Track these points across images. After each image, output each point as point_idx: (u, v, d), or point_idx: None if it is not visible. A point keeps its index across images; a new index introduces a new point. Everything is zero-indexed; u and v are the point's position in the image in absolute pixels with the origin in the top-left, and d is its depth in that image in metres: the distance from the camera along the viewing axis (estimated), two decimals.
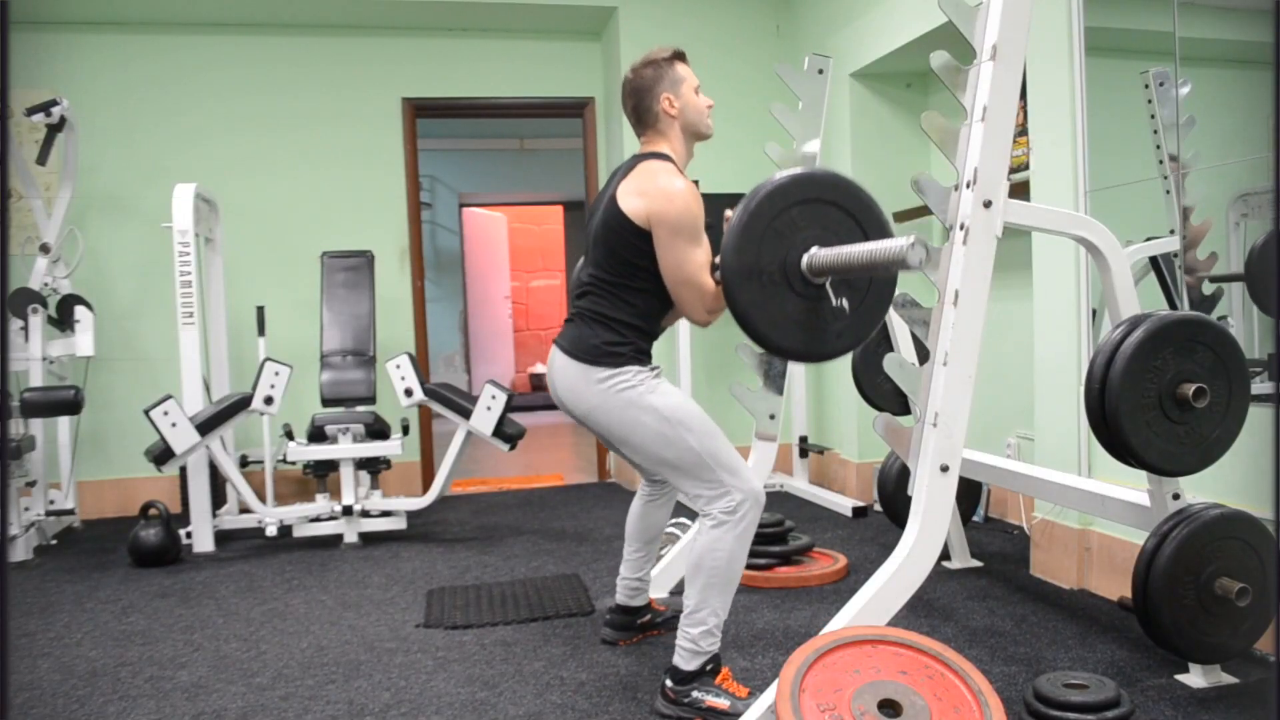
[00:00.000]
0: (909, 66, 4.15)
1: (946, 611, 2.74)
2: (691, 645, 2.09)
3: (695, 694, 2.07)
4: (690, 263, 2.10)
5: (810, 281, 1.85)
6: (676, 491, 2.44)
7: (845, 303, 1.85)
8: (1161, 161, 2.71)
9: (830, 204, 1.86)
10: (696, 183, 4.15)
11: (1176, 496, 2.15)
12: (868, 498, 4.23)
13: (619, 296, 2.18)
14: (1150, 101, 2.72)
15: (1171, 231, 2.68)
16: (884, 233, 1.90)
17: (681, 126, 2.26)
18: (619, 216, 2.13)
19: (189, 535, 3.76)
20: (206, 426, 3.60)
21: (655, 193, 2.10)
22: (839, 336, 1.89)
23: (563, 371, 2.22)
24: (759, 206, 1.84)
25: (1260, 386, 2.42)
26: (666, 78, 2.24)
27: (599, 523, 4.10)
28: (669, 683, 2.10)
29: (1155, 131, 2.72)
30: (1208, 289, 2.65)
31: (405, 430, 4.08)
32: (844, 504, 4.13)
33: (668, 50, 2.27)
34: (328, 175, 4.82)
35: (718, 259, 2.23)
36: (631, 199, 2.13)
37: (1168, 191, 2.70)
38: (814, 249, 1.84)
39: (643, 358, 2.19)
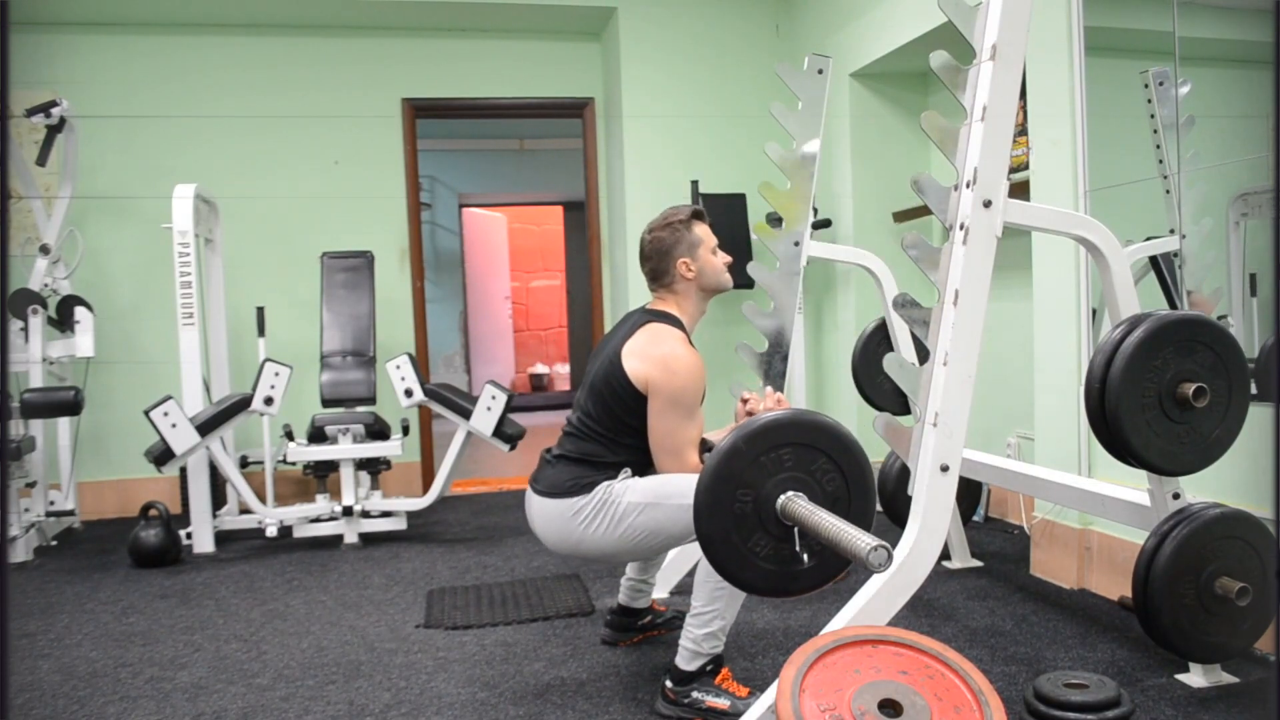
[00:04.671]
0: (909, 66, 4.15)
1: (947, 611, 2.74)
2: (694, 646, 2.09)
3: (695, 694, 2.08)
4: (679, 435, 2.12)
5: (780, 522, 1.79)
6: None
7: (806, 556, 1.79)
8: (1161, 161, 2.71)
9: (822, 453, 1.80)
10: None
11: (1176, 496, 2.15)
12: None
13: (605, 447, 2.21)
14: (1150, 101, 2.72)
15: (1171, 231, 2.68)
16: (866, 502, 1.83)
17: (699, 287, 2.30)
18: (619, 374, 2.16)
19: (189, 536, 3.76)
20: (206, 427, 3.60)
21: (658, 361, 2.13)
22: (796, 579, 1.83)
23: (541, 513, 2.23)
24: (751, 437, 1.77)
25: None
26: (684, 241, 2.26)
27: None
28: (669, 683, 2.11)
29: (1155, 131, 2.72)
30: (1209, 287, 2.65)
31: (405, 431, 4.08)
32: None
33: (685, 211, 2.30)
34: (328, 175, 4.82)
35: (706, 438, 2.22)
36: (634, 361, 2.15)
37: (1168, 191, 2.70)
38: (790, 493, 1.78)
39: (612, 477, 2.20)
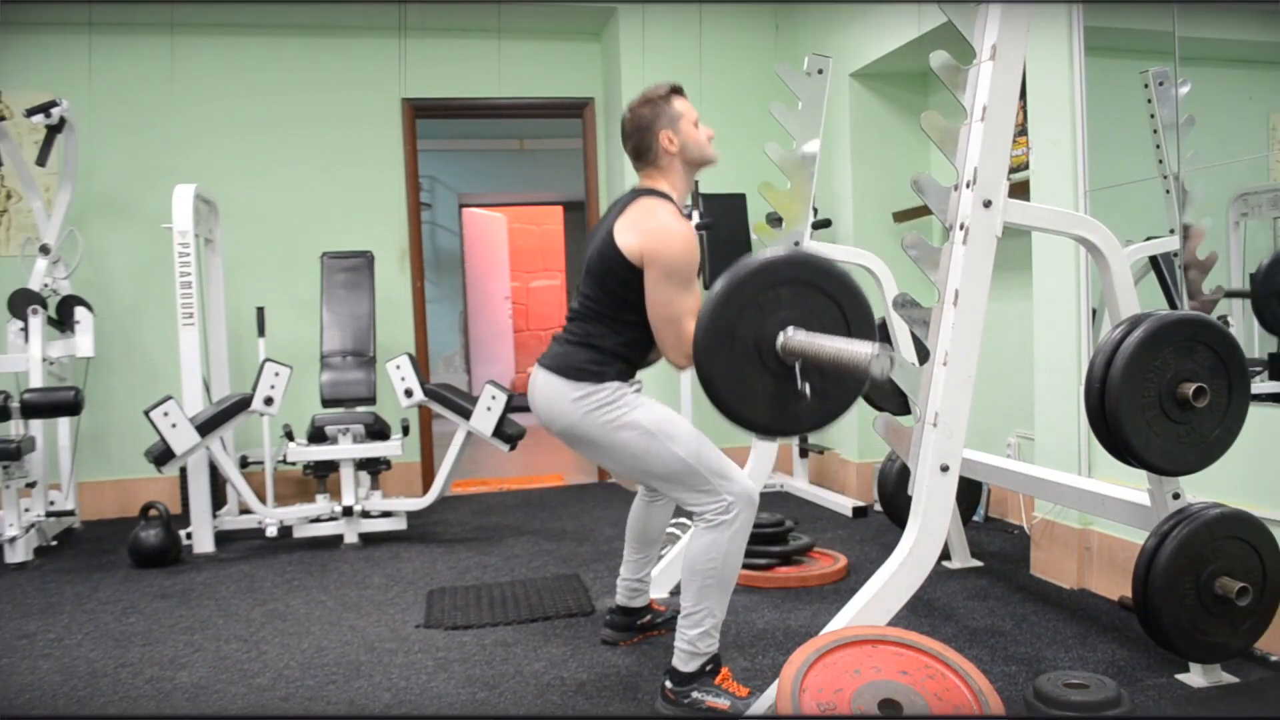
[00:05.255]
0: (909, 66, 4.15)
1: (947, 611, 2.74)
2: (689, 647, 2.09)
3: (695, 694, 2.07)
4: (676, 305, 2.10)
5: (781, 360, 1.81)
6: None
7: (808, 389, 1.80)
8: (1161, 161, 2.71)
9: (820, 291, 1.81)
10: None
11: (1176, 496, 2.15)
12: (868, 498, 4.23)
13: (607, 326, 2.20)
14: (1150, 101, 2.73)
15: (1171, 231, 2.68)
16: (867, 333, 1.85)
17: (683, 161, 2.27)
18: (614, 252, 2.14)
19: (189, 536, 3.76)
20: (206, 427, 3.60)
21: (652, 232, 2.11)
22: (798, 418, 1.85)
23: (544, 388, 2.23)
24: (747, 277, 1.79)
25: (1260, 386, 2.43)
26: (665, 115, 2.24)
27: (599, 523, 4.10)
28: (669, 683, 2.10)
29: (1155, 131, 2.72)
30: (1208, 286, 2.65)
31: (405, 431, 4.08)
32: (844, 504, 4.13)
33: (664, 87, 2.28)
34: (328, 175, 4.82)
35: None
36: (627, 235, 2.13)
37: (1168, 191, 2.70)
38: (790, 330, 1.79)
39: (624, 375, 2.20)
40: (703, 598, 2.07)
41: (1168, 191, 2.70)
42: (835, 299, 1.81)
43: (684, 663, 2.09)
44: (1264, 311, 2.51)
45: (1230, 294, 2.62)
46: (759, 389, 1.79)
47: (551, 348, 2.28)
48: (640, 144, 2.26)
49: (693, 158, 2.27)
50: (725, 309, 1.76)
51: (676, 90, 2.28)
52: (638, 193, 2.25)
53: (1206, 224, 2.63)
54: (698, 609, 2.08)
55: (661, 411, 2.16)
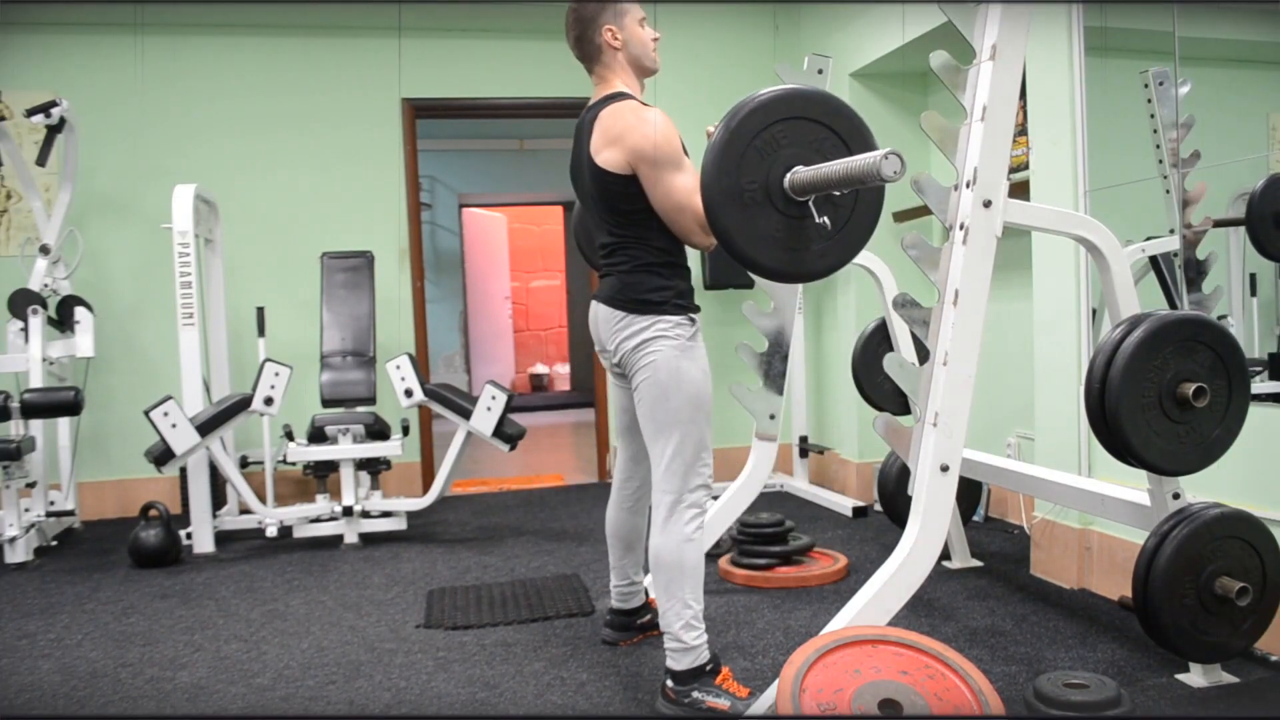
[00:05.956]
0: (909, 66, 4.15)
1: (947, 611, 2.74)
2: (676, 642, 2.09)
3: (695, 694, 2.07)
4: (678, 190, 2.07)
5: (793, 200, 1.80)
6: (648, 498, 2.39)
7: (827, 220, 1.80)
8: (1161, 161, 2.72)
9: (816, 122, 1.80)
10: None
11: (1176, 496, 2.15)
12: (868, 498, 4.23)
13: (643, 243, 2.16)
14: (1150, 101, 2.73)
15: (1171, 231, 2.68)
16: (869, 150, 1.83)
17: (625, 59, 2.22)
18: (603, 175, 2.12)
19: (189, 536, 3.76)
20: (206, 427, 3.60)
21: (622, 135, 2.08)
22: (822, 256, 1.85)
23: (606, 321, 2.21)
24: (741, 123, 1.79)
25: (1260, 386, 2.43)
26: (610, 8, 2.19)
27: (599, 523, 4.08)
28: (669, 683, 2.10)
29: (1155, 131, 2.72)
30: (1208, 286, 2.65)
31: (405, 431, 4.08)
32: (844, 504, 4.13)
33: None
34: (328, 175, 4.82)
35: None
36: (605, 154, 2.11)
37: (1168, 191, 2.70)
38: (797, 168, 1.78)
39: (683, 302, 2.17)
40: (672, 592, 2.09)
41: (1168, 191, 2.70)
42: (835, 130, 1.81)
43: (677, 659, 2.09)
44: (1259, 236, 2.49)
45: (1222, 222, 2.61)
46: (774, 233, 1.79)
47: (604, 284, 2.25)
48: (582, 36, 2.22)
49: (634, 56, 2.22)
50: (727, 160, 1.76)
51: None
52: (593, 109, 2.20)
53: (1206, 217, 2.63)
54: (671, 604, 2.09)
55: (701, 377, 2.15)
